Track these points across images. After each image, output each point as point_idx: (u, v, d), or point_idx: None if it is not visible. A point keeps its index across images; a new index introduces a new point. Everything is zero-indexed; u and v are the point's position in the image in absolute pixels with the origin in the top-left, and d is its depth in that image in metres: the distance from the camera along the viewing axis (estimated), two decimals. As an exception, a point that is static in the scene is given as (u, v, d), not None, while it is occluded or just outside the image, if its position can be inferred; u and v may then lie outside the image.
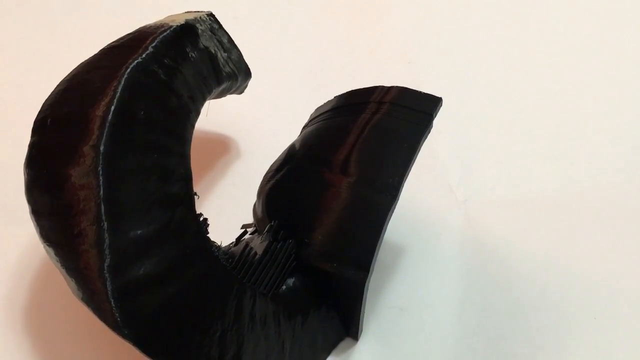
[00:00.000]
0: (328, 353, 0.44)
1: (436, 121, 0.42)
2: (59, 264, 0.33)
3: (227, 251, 0.40)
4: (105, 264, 0.31)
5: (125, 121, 0.33)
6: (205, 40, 0.41)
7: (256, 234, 0.44)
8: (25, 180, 0.35)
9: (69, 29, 0.72)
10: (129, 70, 0.34)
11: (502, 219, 0.52)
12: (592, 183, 0.55)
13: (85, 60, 0.38)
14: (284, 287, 0.41)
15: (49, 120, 0.34)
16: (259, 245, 0.41)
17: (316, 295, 0.42)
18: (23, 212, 0.35)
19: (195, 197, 0.37)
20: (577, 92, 0.63)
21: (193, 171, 0.37)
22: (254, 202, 0.47)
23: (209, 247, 0.36)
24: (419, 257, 0.50)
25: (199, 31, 0.41)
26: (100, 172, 0.32)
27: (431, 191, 0.54)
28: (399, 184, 0.39)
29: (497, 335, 0.45)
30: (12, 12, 0.74)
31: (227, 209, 0.53)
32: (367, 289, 0.40)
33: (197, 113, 0.40)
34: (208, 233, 0.38)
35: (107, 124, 0.32)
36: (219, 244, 0.40)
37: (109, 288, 0.31)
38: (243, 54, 0.47)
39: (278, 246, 0.41)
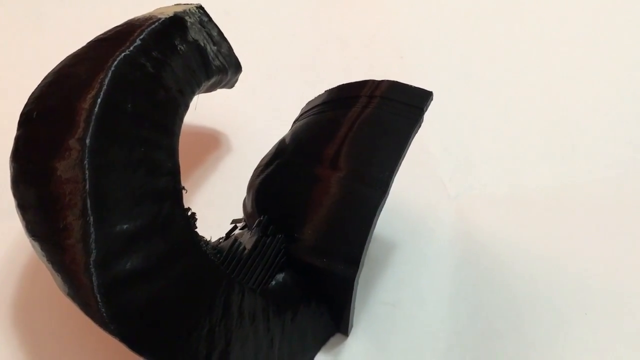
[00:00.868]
0: (318, 349, 0.44)
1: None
2: (45, 259, 0.33)
3: (216, 246, 0.40)
4: (91, 259, 0.31)
5: (111, 114, 0.33)
6: (194, 33, 0.41)
7: (246, 229, 0.44)
8: (11, 174, 0.34)
9: (57, 22, 0.71)
10: (116, 62, 0.34)
11: (493, 215, 0.52)
12: (584, 179, 0.55)
13: (73, 53, 0.37)
14: (273, 282, 0.41)
15: (34, 114, 0.34)
16: (248, 240, 0.41)
17: (306, 290, 0.42)
18: (9, 205, 0.35)
19: (184, 191, 0.36)
20: (569, 88, 0.63)
21: (182, 165, 0.37)
22: (244, 196, 0.47)
23: (197, 242, 0.36)
24: (410, 253, 0.50)
25: (188, 24, 0.41)
26: (87, 166, 0.31)
27: (423, 186, 0.54)
28: (389, 178, 0.39)
29: (488, 330, 0.45)
30: (-1, 4, 0.73)
31: (217, 203, 0.52)
32: (358, 284, 0.40)
33: (186, 107, 0.40)
34: (196, 228, 0.37)
35: (94, 117, 0.32)
36: (209, 239, 0.40)
37: (95, 283, 0.31)
38: (234, 48, 0.47)
39: (267, 241, 0.40)
